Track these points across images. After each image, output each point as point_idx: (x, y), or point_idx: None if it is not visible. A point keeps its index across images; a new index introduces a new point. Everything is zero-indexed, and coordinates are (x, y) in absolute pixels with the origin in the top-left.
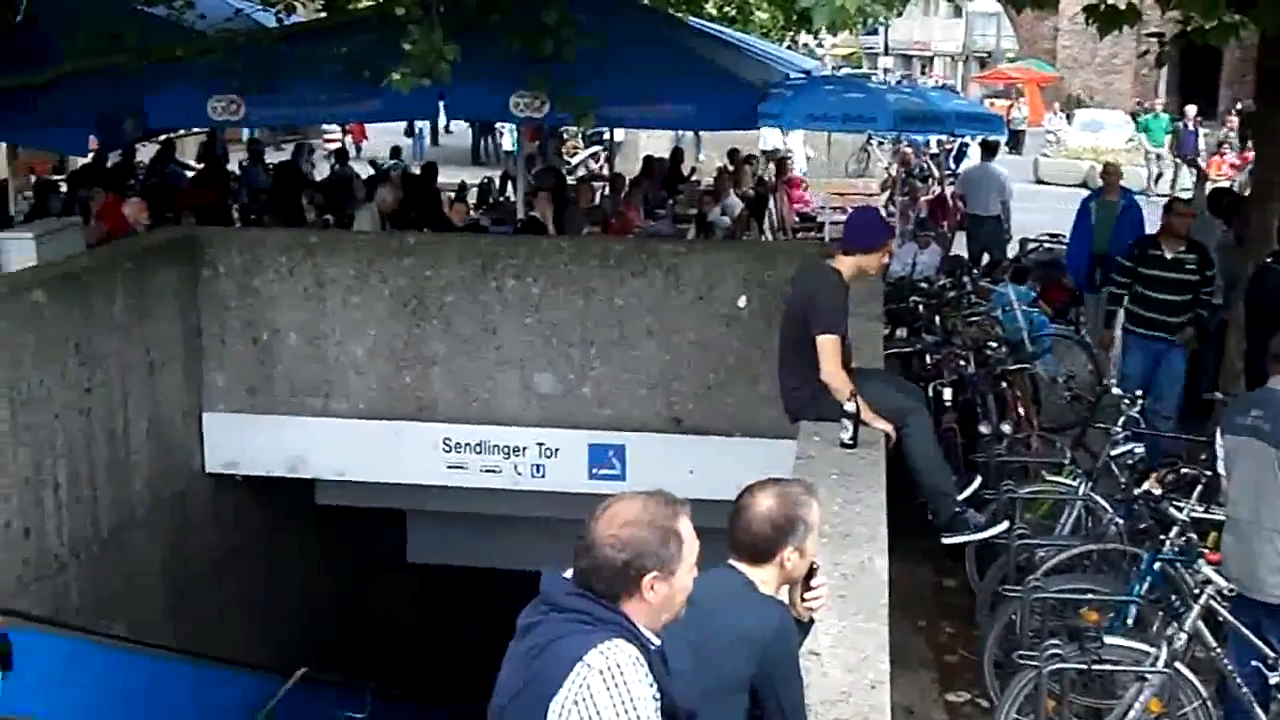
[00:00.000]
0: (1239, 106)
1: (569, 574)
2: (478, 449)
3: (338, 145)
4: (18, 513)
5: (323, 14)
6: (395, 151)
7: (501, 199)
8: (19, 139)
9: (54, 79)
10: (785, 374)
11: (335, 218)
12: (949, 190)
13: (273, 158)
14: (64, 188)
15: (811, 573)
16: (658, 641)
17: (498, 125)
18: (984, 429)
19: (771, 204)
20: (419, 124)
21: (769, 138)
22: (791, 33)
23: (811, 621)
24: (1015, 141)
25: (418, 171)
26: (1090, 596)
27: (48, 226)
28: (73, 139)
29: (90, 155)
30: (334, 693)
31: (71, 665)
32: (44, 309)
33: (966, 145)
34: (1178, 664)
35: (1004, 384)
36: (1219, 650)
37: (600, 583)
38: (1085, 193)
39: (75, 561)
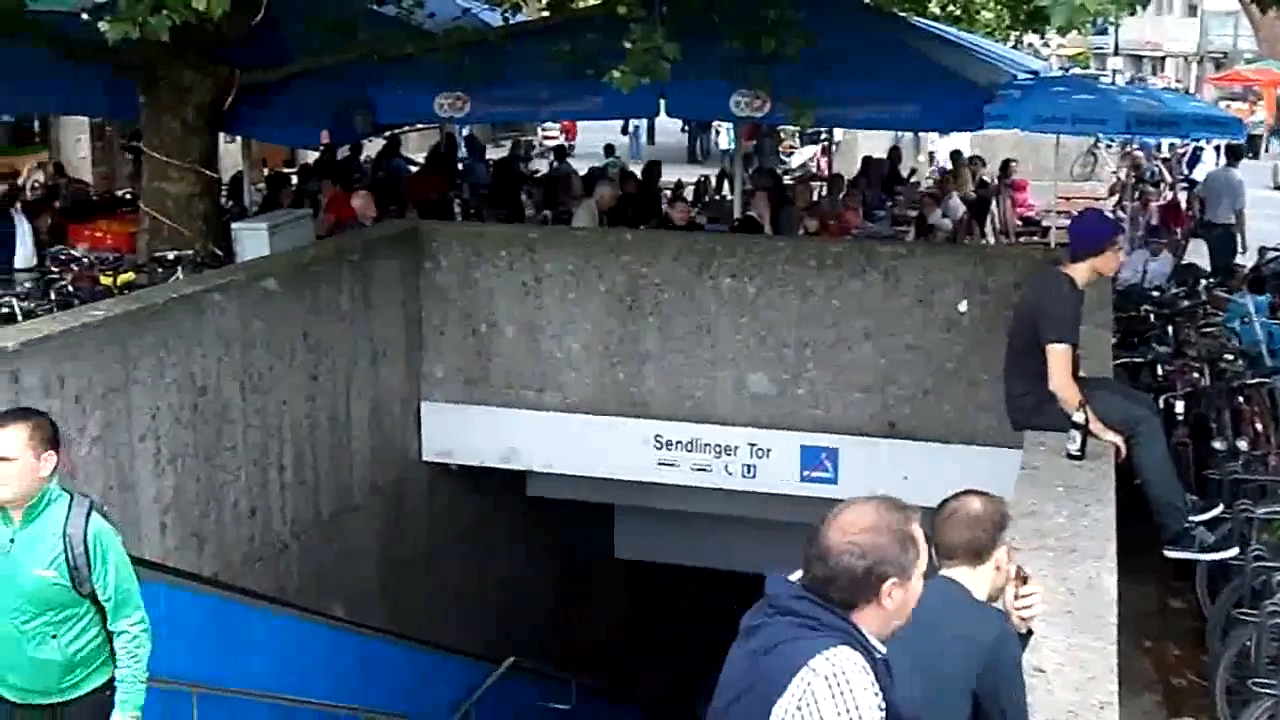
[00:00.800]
0: None
1: (794, 577)
2: (689, 447)
3: (556, 142)
4: (245, 492)
5: (546, 13)
6: (609, 149)
7: (718, 198)
8: (257, 134)
9: (290, 76)
10: (1011, 382)
11: (553, 213)
12: (1182, 195)
13: (490, 154)
14: (294, 180)
15: (1024, 580)
16: (884, 650)
17: (714, 124)
18: (1218, 445)
19: (994, 207)
20: (634, 122)
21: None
22: (1017, 33)
23: (1029, 632)
24: (1252, 146)
25: (635, 170)
26: None
27: (280, 218)
28: (307, 133)
29: (320, 149)
30: (540, 683)
31: (292, 643)
32: (275, 297)
33: (1201, 149)
34: None
35: (1241, 399)
36: None
37: (838, 590)
38: None
39: (296, 542)
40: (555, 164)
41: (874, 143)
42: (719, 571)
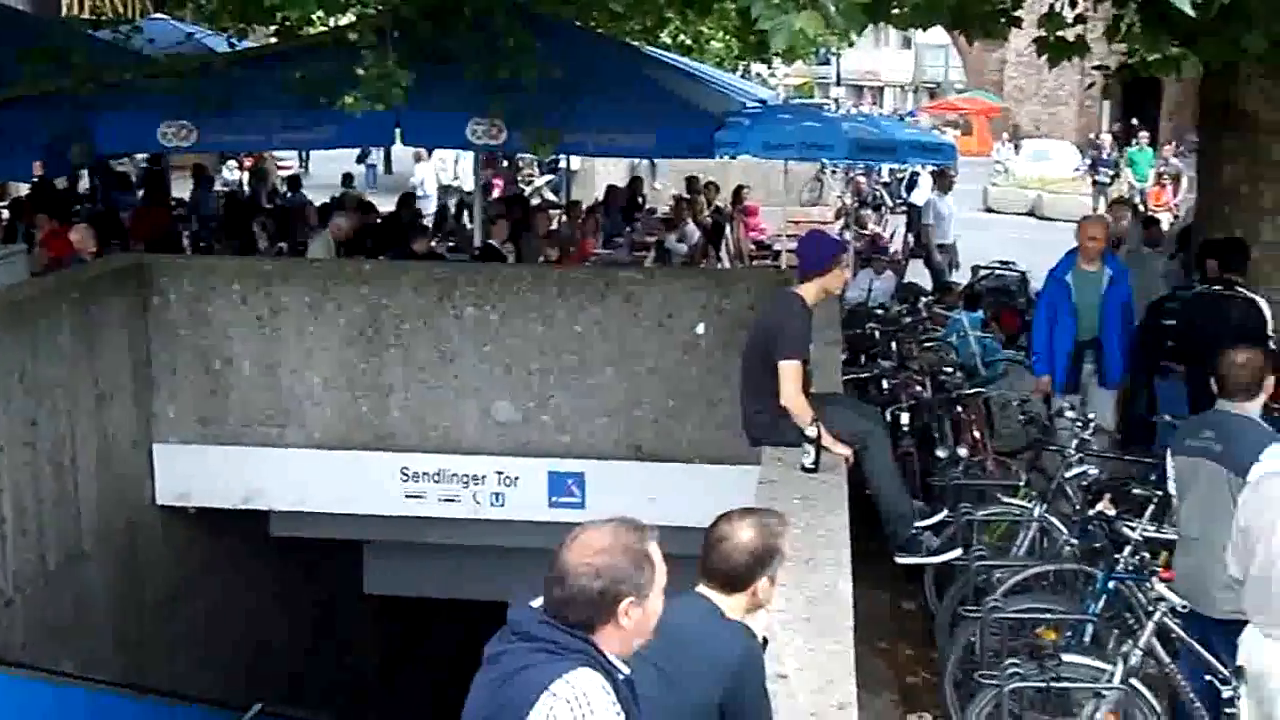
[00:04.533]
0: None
1: (536, 603)
2: (436, 478)
3: (290, 172)
4: None
5: (274, 40)
6: (347, 179)
7: (458, 226)
8: None
9: None
10: (747, 400)
11: (288, 245)
12: (900, 217)
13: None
14: (6, 214)
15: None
16: (626, 670)
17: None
18: (940, 453)
19: (728, 232)
20: (374, 152)
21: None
22: (745, 62)
23: (765, 641)
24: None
25: (373, 200)
26: (1047, 616)
27: None
28: (18, 165)
29: (34, 182)
30: None
31: (16, 703)
32: None
33: (918, 174)
34: (1133, 680)
35: (959, 408)
36: (1172, 666)
37: (577, 612)
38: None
39: (21, 596)
40: (289, 194)
41: (613, 171)
42: (472, 602)
